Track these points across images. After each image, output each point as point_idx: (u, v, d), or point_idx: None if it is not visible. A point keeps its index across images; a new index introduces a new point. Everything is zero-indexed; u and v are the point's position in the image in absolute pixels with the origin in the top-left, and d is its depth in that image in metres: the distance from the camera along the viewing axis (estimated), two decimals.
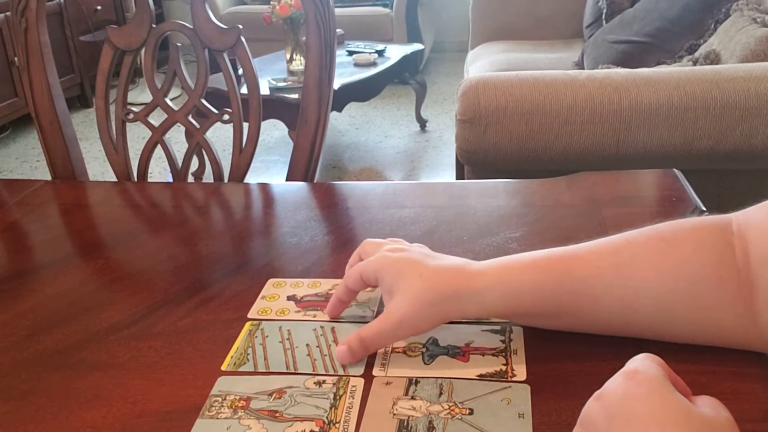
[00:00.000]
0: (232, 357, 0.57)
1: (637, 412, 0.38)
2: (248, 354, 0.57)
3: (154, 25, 1.04)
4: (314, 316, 0.62)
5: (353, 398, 0.52)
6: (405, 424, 0.49)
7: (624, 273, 0.52)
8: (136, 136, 1.91)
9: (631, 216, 0.76)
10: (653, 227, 0.54)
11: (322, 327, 0.60)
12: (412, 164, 3.23)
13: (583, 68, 2.63)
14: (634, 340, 0.54)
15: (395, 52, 3.41)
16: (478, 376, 0.53)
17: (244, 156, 1.04)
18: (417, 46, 3.62)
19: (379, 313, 0.62)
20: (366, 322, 0.58)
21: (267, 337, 0.60)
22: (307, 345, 0.58)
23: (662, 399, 0.38)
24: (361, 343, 0.55)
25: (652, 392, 0.38)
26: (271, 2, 3.07)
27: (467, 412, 0.50)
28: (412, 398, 0.51)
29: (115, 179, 1.07)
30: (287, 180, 1.05)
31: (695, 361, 0.52)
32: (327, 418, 0.50)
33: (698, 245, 0.52)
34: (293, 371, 0.55)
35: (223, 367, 0.56)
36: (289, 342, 0.59)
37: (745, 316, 0.50)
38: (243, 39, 1.02)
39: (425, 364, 0.55)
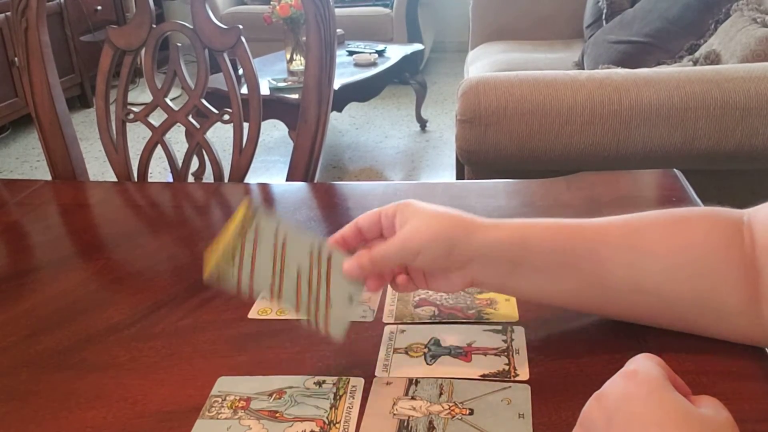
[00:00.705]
0: (220, 252, 0.53)
1: (637, 412, 0.38)
2: (236, 254, 0.53)
3: (154, 25, 1.04)
4: None
5: (353, 398, 0.52)
6: (405, 424, 0.49)
7: (633, 242, 0.53)
8: (137, 136, 1.90)
9: None
10: (668, 210, 0.55)
11: (319, 249, 0.55)
12: (412, 164, 3.23)
13: (583, 68, 2.63)
14: (634, 340, 0.54)
15: (395, 52, 3.41)
16: (481, 376, 0.53)
17: (244, 156, 1.04)
18: (417, 46, 3.62)
19: (380, 312, 0.62)
20: (367, 322, 0.58)
21: (260, 240, 0.55)
22: (298, 272, 0.54)
23: (661, 399, 0.38)
24: (370, 259, 0.54)
25: (652, 392, 0.38)
26: (271, 2, 3.07)
27: (467, 412, 0.49)
28: (413, 398, 0.51)
29: (115, 179, 1.07)
30: (287, 180, 1.05)
31: (695, 361, 0.52)
32: (327, 418, 0.50)
33: (710, 228, 0.52)
34: (276, 297, 0.54)
35: (208, 267, 0.53)
36: (281, 258, 0.55)
37: (748, 302, 0.50)
38: (243, 39, 1.02)
39: (428, 364, 0.55)
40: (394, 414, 0.50)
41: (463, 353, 0.56)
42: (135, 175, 1.08)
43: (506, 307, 0.62)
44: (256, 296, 0.61)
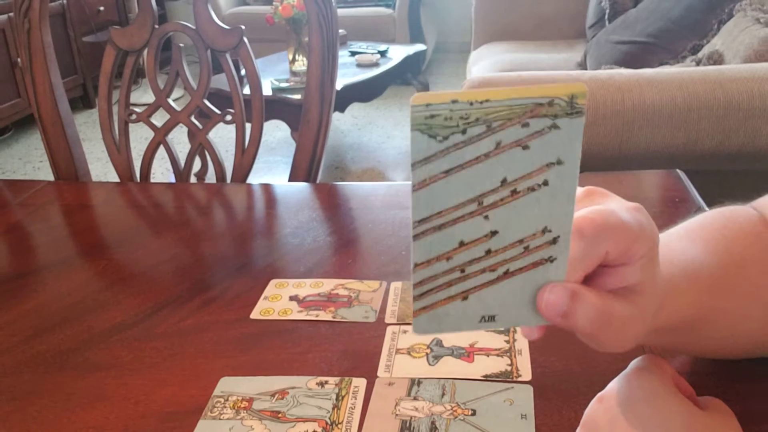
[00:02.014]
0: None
1: (640, 414, 0.38)
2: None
3: (156, 26, 1.04)
4: (317, 316, 0.62)
5: (356, 399, 0.52)
6: (407, 424, 0.49)
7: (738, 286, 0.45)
8: (139, 137, 1.90)
9: None
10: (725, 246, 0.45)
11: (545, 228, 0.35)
12: None
13: (586, 69, 2.63)
14: None
15: (398, 53, 3.41)
16: (483, 376, 0.53)
17: (246, 156, 1.04)
18: (419, 47, 3.62)
19: (382, 312, 0.62)
20: (369, 323, 0.58)
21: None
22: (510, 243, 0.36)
23: (665, 401, 0.38)
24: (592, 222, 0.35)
25: (655, 394, 0.38)
26: (274, 3, 3.07)
27: (470, 412, 0.49)
28: (415, 399, 0.51)
29: (117, 180, 1.07)
30: (290, 180, 1.05)
31: (700, 363, 0.52)
32: (329, 418, 0.50)
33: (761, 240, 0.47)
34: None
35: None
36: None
37: None
38: (245, 40, 1.02)
39: (430, 365, 0.55)
40: (397, 414, 0.50)
41: (466, 354, 0.56)
42: (137, 175, 1.08)
43: None
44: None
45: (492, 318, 0.35)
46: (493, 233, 0.33)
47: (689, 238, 0.45)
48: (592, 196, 0.38)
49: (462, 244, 0.33)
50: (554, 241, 0.34)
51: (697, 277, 0.42)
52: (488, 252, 0.34)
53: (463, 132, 0.31)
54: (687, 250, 0.43)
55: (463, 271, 0.34)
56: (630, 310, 0.35)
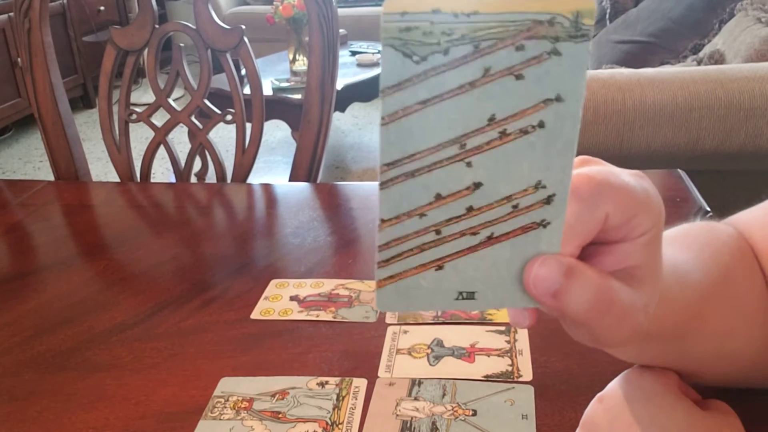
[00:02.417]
0: None
1: (640, 414, 0.37)
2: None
3: (157, 26, 1.04)
4: (317, 316, 0.62)
5: (356, 399, 0.51)
6: (408, 425, 0.49)
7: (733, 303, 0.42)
8: (139, 137, 1.90)
9: None
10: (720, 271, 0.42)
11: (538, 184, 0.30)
12: None
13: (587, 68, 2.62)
14: None
15: None
16: (484, 377, 0.53)
17: (246, 156, 1.04)
18: None
19: (382, 313, 0.62)
20: (370, 323, 0.58)
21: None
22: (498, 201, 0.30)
23: (665, 401, 0.37)
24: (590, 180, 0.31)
25: (656, 394, 0.38)
26: (274, 2, 3.07)
27: (470, 413, 0.49)
28: (416, 399, 0.51)
29: (118, 180, 1.07)
30: (290, 180, 1.05)
31: None
32: (330, 419, 0.50)
33: (747, 260, 0.44)
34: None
35: None
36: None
37: None
38: (246, 39, 1.02)
39: (430, 365, 0.55)
40: (397, 415, 0.50)
41: (466, 354, 0.56)
42: (138, 175, 1.08)
43: None
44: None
45: (471, 295, 0.29)
46: (477, 185, 0.27)
47: (676, 244, 0.41)
48: (588, 163, 0.32)
49: (439, 197, 0.28)
50: (548, 200, 0.28)
51: (687, 283, 0.38)
52: (470, 210, 0.28)
53: (446, 52, 0.25)
54: (676, 255, 0.39)
55: (438, 232, 0.28)
56: (632, 297, 0.30)
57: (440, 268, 0.29)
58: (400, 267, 0.29)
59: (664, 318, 0.35)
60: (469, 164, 0.27)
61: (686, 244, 0.42)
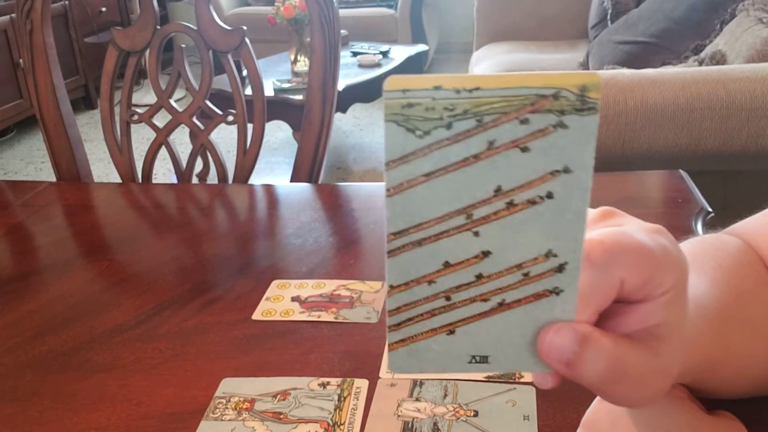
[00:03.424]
0: None
1: (641, 416, 0.37)
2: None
3: (158, 27, 1.04)
4: (319, 317, 0.62)
5: (357, 400, 0.51)
6: (409, 425, 0.49)
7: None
8: (141, 138, 1.91)
9: (637, 217, 0.75)
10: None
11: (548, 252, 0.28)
12: None
13: (588, 69, 2.62)
14: None
15: (400, 53, 3.41)
16: (486, 377, 0.53)
17: (248, 157, 1.04)
18: (421, 47, 3.62)
19: (384, 313, 0.62)
20: (371, 323, 0.58)
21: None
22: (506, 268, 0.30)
23: (668, 404, 0.37)
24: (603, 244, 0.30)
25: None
26: (276, 3, 3.07)
27: (472, 413, 0.49)
28: (417, 400, 0.51)
29: (119, 180, 1.07)
30: (291, 181, 1.05)
31: None
32: (331, 419, 0.50)
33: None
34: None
35: None
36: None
37: None
38: (247, 40, 1.02)
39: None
40: (399, 416, 0.50)
41: None
42: (139, 176, 1.08)
43: None
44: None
45: (484, 359, 0.29)
46: (485, 254, 0.27)
47: (692, 268, 0.39)
48: (607, 217, 0.32)
49: (447, 265, 0.27)
50: (560, 268, 0.27)
51: (708, 315, 0.37)
52: (479, 277, 0.28)
53: (448, 126, 0.25)
54: (692, 284, 0.35)
55: (448, 298, 0.28)
56: (650, 361, 0.29)
57: (452, 332, 0.29)
58: (411, 331, 0.29)
59: (692, 357, 0.35)
60: (476, 234, 0.27)
61: (698, 265, 0.41)
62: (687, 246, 0.44)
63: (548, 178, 0.26)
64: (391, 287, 0.28)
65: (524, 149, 0.26)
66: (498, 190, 0.26)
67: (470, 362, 0.29)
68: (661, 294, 0.29)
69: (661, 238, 0.30)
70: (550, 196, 0.26)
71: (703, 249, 0.43)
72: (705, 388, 0.41)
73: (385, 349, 0.57)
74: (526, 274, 0.28)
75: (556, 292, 0.28)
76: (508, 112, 0.25)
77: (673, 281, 0.29)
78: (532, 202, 0.26)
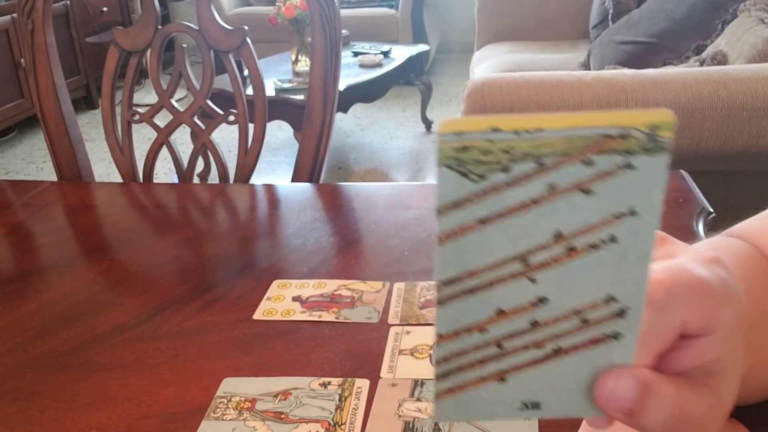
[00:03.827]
0: None
1: None
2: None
3: (159, 27, 1.04)
4: (320, 317, 0.62)
5: (359, 400, 0.51)
6: (411, 425, 0.49)
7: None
8: (142, 137, 1.91)
9: None
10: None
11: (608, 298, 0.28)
12: (417, 165, 3.23)
13: (590, 69, 2.62)
14: None
15: (401, 53, 3.41)
16: None
17: (249, 157, 1.04)
18: (422, 47, 3.62)
19: (385, 313, 0.62)
20: (372, 323, 0.58)
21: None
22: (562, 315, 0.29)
23: None
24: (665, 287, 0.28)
25: None
26: (277, 3, 3.07)
27: None
28: (418, 400, 0.51)
29: (120, 180, 1.07)
30: (292, 181, 1.05)
31: None
32: (332, 419, 0.50)
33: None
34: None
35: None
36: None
37: None
38: (248, 40, 1.02)
39: (433, 365, 0.55)
40: (400, 416, 0.50)
41: None
42: (140, 176, 1.08)
43: None
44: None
45: (536, 405, 0.28)
46: (542, 300, 0.26)
47: None
48: (659, 245, 0.29)
49: (500, 313, 0.26)
50: (621, 313, 0.26)
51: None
52: (534, 324, 0.26)
53: (506, 170, 0.23)
54: None
55: (500, 346, 0.27)
56: (711, 403, 0.27)
57: (503, 380, 0.27)
58: (460, 380, 0.27)
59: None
60: (533, 280, 0.26)
61: None
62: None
63: (612, 222, 0.25)
64: (440, 336, 0.26)
65: (587, 192, 0.24)
66: (558, 235, 0.25)
67: (521, 409, 0.28)
68: (719, 329, 0.28)
69: (719, 269, 0.28)
70: (613, 239, 0.25)
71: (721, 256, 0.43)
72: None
73: (388, 347, 0.57)
74: (584, 320, 0.26)
75: (615, 337, 0.27)
76: (571, 153, 0.23)
77: (731, 316, 0.28)
78: (593, 247, 0.25)
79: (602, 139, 0.23)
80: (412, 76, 3.48)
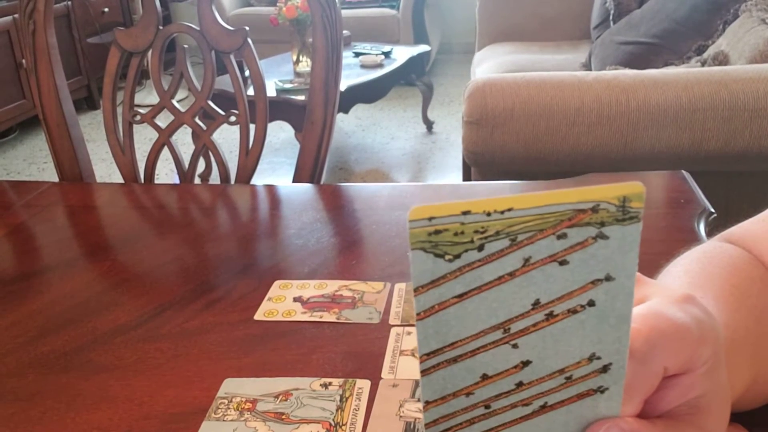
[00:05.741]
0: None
1: None
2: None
3: (160, 27, 1.04)
4: (321, 317, 0.62)
5: (360, 400, 0.51)
6: (412, 426, 0.49)
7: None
8: (143, 138, 1.91)
9: None
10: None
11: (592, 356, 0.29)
12: (418, 166, 3.23)
13: (591, 69, 2.62)
14: None
15: (402, 54, 3.41)
16: None
17: (250, 158, 1.04)
18: (423, 48, 3.62)
19: (386, 314, 0.62)
20: (373, 324, 0.58)
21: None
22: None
23: None
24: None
25: None
26: (278, 4, 3.07)
27: None
28: (419, 400, 0.51)
29: (122, 181, 1.07)
30: (294, 182, 1.05)
31: None
32: (333, 420, 0.50)
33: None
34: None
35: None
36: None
37: None
38: (249, 41, 1.02)
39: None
40: (401, 416, 0.50)
41: None
42: (142, 176, 1.08)
43: None
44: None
45: None
46: (525, 363, 0.26)
47: (709, 297, 0.39)
48: None
49: (485, 377, 0.27)
50: (605, 369, 0.26)
51: (737, 349, 0.36)
52: (520, 384, 0.27)
53: (480, 248, 0.24)
54: (715, 312, 0.35)
55: (488, 407, 0.27)
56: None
57: None
58: None
59: (734, 395, 0.34)
60: (515, 346, 0.26)
61: (713, 289, 0.40)
62: (697, 264, 0.43)
63: (589, 287, 0.25)
64: (427, 403, 0.27)
65: (563, 262, 0.25)
66: (536, 304, 0.25)
67: None
68: (700, 366, 0.28)
69: (692, 308, 0.29)
70: (591, 304, 0.25)
71: (713, 267, 0.42)
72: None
73: (389, 348, 0.57)
74: (569, 377, 0.27)
75: (600, 390, 0.27)
76: (544, 228, 0.24)
77: (711, 352, 0.28)
78: (573, 311, 0.25)
79: (574, 213, 0.24)
80: (413, 77, 3.48)
